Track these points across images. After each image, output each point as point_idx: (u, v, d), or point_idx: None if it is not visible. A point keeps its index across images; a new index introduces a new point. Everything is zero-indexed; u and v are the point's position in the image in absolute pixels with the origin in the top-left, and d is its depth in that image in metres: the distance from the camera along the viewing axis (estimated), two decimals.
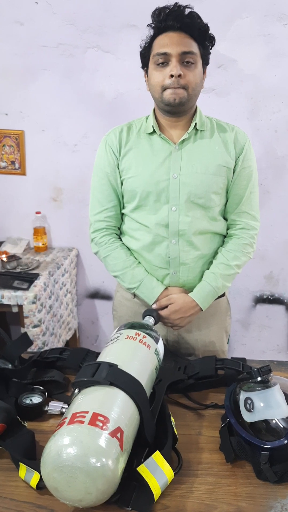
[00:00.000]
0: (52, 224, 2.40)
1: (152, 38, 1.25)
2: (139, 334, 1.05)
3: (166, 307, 1.35)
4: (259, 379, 0.96)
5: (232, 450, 0.92)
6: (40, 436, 0.95)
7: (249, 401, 0.94)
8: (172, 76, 1.20)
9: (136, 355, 0.99)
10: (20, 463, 0.86)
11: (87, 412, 0.79)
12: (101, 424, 0.77)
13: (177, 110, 1.26)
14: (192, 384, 1.13)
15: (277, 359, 1.34)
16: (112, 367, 0.90)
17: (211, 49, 1.28)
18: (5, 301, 1.99)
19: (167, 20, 1.21)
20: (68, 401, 0.95)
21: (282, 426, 0.90)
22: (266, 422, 0.92)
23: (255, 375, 0.97)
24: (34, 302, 1.98)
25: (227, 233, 1.41)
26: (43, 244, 2.36)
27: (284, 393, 0.96)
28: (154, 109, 1.34)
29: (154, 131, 1.32)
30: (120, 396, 0.86)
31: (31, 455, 0.90)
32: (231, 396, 1.02)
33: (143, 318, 1.26)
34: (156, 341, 1.09)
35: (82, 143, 2.21)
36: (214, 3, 1.91)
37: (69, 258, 2.29)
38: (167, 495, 0.83)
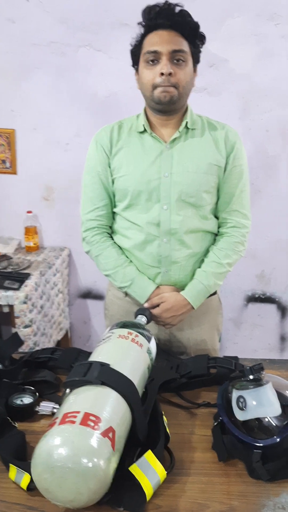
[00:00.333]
0: (43, 223, 2.38)
1: (143, 36, 1.25)
2: (131, 333, 1.05)
3: (158, 305, 1.35)
4: (251, 377, 0.96)
5: (225, 449, 0.91)
6: (31, 437, 0.94)
7: (241, 400, 0.94)
8: (162, 74, 1.20)
9: (128, 354, 0.99)
10: (11, 464, 0.85)
11: (78, 412, 0.78)
12: (92, 424, 0.76)
13: (168, 108, 1.26)
14: (185, 383, 1.12)
15: (269, 358, 1.34)
16: (104, 366, 0.89)
17: (201, 47, 1.28)
18: None
19: (157, 18, 1.20)
20: (60, 402, 0.94)
21: (274, 424, 0.90)
22: (258, 420, 0.92)
23: (247, 373, 0.97)
24: (25, 302, 1.97)
25: (218, 232, 1.41)
26: (34, 244, 2.34)
27: (277, 391, 0.96)
28: (145, 108, 1.34)
29: (145, 130, 1.31)
30: (112, 396, 0.85)
31: (22, 456, 0.89)
32: (223, 394, 1.01)
33: (135, 317, 1.25)
34: (149, 340, 1.08)
35: (74, 142, 2.20)
36: (206, 2, 1.91)
37: (60, 257, 2.28)
38: (160, 495, 0.82)
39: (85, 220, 1.39)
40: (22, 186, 2.32)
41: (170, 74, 1.20)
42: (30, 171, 2.29)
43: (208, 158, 1.30)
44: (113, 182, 1.35)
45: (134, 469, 0.81)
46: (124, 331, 1.05)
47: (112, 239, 1.41)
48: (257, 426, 0.91)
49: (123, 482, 0.80)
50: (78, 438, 0.74)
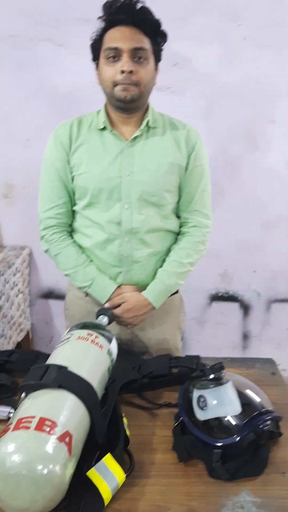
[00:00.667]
0: (3, 221, 2.31)
1: (103, 31, 1.22)
2: (91, 334, 1.03)
3: (119, 305, 1.33)
4: (211, 376, 0.96)
5: (185, 450, 0.91)
6: None
7: (202, 399, 0.94)
8: (123, 72, 1.18)
9: (87, 356, 0.97)
10: None
11: (33, 417, 0.75)
12: (48, 429, 0.74)
13: (129, 106, 1.24)
14: (146, 383, 1.11)
15: (232, 356, 1.35)
16: (61, 369, 0.87)
17: (163, 45, 1.27)
18: None
19: (118, 14, 1.18)
20: (16, 406, 0.91)
21: (234, 424, 0.90)
22: (218, 419, 0.92)
23: (207, 372, 0.97)
24: None
25: (180, 231, 1.40)
26: None
27: (237, 390, 0.96)
28: (105, 104, 1.31)
29: (105, 127, 1.29)
30: (69, 399, 0.83)
31: None
32: (184, 394, 1.01)
33: (97, 317, 1.23)
34: (109, 341, 1.06)
35: (35, 138, 2.14)
36: (168, 1, 1.91)
37: (21, 257, 2.22)
38: (119, 498, 0.81)
39: (44, 218, 1.35)
40: None
41: (131, 72, 1.18)
42: None
43: (169, 157, 1.29)
44: (72, 179, 1.32)
45: (92, 473, 0.79)
46: (84, 333, 1.03)
47: (72, 237, 1.38)
48: (217, 425, 0.91)
49: (81, 487, 0.78)
50: (32, 444, 0.72)
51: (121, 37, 1.18)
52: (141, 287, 1.36)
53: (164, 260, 1.37)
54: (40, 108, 2.10)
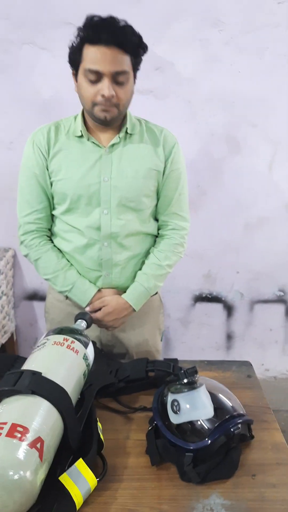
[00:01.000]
0: None
1: (82, 42, 1.17)
2: (67, 339, 1.04)
3: (100, 309, 1.34)
4: (185, 380, 0.98)
5: (158, 453, 0.92)
6: None
7: (175, 403, 0.95)
8: (103, 96, 1.17)
9: (62, 362, 0.98)
10: None
11: (5, 423, 0.77)
12: (19, 435, 0.75)
13: (108, 124, 1.25)
14: (123, 387, 1.12)
15: (216, 356, 1.37)
16: (35, 375, 0.88)
17: (143, 55, 1.25)
18: None
19: (100, 32, 1.14)
20: None
21: (206, 427, 0.92)
22: (191, 423, 0.93)
23: (181, 377, 0.98)
24: None
25: (158, 233, 1.42)
26: None
27: (211, 394, 0.98)
28: (83, 110, 1.31)
29: (82, 135, 1.29)
30: (42, 405, 0.84)
31: None
32: (159, 398, 1.02)
33: (75, 321, 1.24)
34: (86, 345, 1.07)
35: (18, 141, 2.14)
36: (151, 5, 1.92)
37: (4, 259, 2.22)
38: (91, 503, 0.82)
39: (23, 223, 1.36)
40: None
41: (112, 95, 1.17)
42: None
43: (147, 163, 1.31)
44: (51, 184, 1.32)
45: (64, 478, 0.80)
46: (60, 338, 1.03)
47: (51, 242, 1.39)
48: (190, 429, 0.93)
49: (53, 492, 0.80)
50: (3, 450, 0.73)
51: (102, 60, 1.14)
52: (121, 290, 1.37)
53: (143, 262, 1.39)
54: (24, 111, 2.10)
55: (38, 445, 0.76)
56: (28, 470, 0.73)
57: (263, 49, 2.00)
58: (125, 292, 1.37)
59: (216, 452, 0.90)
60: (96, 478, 0.83)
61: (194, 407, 0.94)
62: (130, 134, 1.31)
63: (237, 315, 2.51)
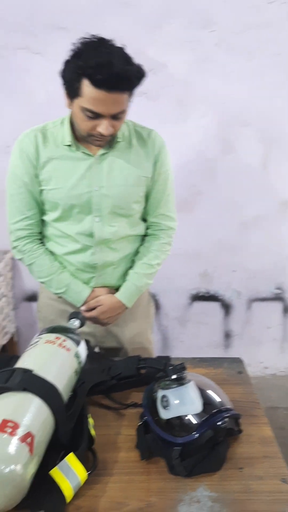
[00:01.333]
0: None
1: (81, 76, 1.11)
2: (59, 338, 1.06)
3: (94, 308, 1.38)
4: (174, 376, 1.00)
5: (147, 448, 0.95)
6: None
7: (165, 399, 0.98)
8: (101, 133, 1.17)
9: (54, 360, 1.00)
10: None
11: None
12: (10, 430, 0.78)
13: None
14: (115, 384, 1.15)
15: (214, 355, 1.39)
16: (26, 372, 0.90)
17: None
18: None
19: (103, 78, 1.08)
20: None
21: (194, 422, 0.94)
22: (180, 418, 0.95)
23: (170, 373, 1.00)
24: None
25: (146, 233, 1.46)
26: None
27: (200, 389, 1.00)
28: (71, 117, 1.27)
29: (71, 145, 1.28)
30: (33, 402, 0.86)
31: None
32: (149, 394, 1.05)
33: (69, 320, 1.27)
34: (77, 344, 1.10)
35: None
36: (142, 7, 1.94)
37: (4, 261, 2.24)
38: (81, 496, 0.84)
39: (14, 229, 1.37)
40: None
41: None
42: None
43: (137, 171, 1.32)
44: (41, 192, 1.33)
45: (55, 472, 0.83)
46: (52, 336, 1.06)
47: (44, 245, 1.41)
48: (178, 424, 0.95)
49: (43, 486, 0.82)
50: None
51: (103, 103, 1.12)
52: (113, 288, 1.42)
53: (133, 261, 1.43)
54: (19, 115, 2.12)
55: (29, 440, 0.79)
56: (18, 464, 0.75)
57: (255, 49, 2.02)
58: (117, 290, 1.41)
59: (204, 446, 0.92)
60: (87, 472, 0.85)
61: (182, 403, 0.96)
62: (119, 142, 1.31)
63: (234, 314, 2.54)
